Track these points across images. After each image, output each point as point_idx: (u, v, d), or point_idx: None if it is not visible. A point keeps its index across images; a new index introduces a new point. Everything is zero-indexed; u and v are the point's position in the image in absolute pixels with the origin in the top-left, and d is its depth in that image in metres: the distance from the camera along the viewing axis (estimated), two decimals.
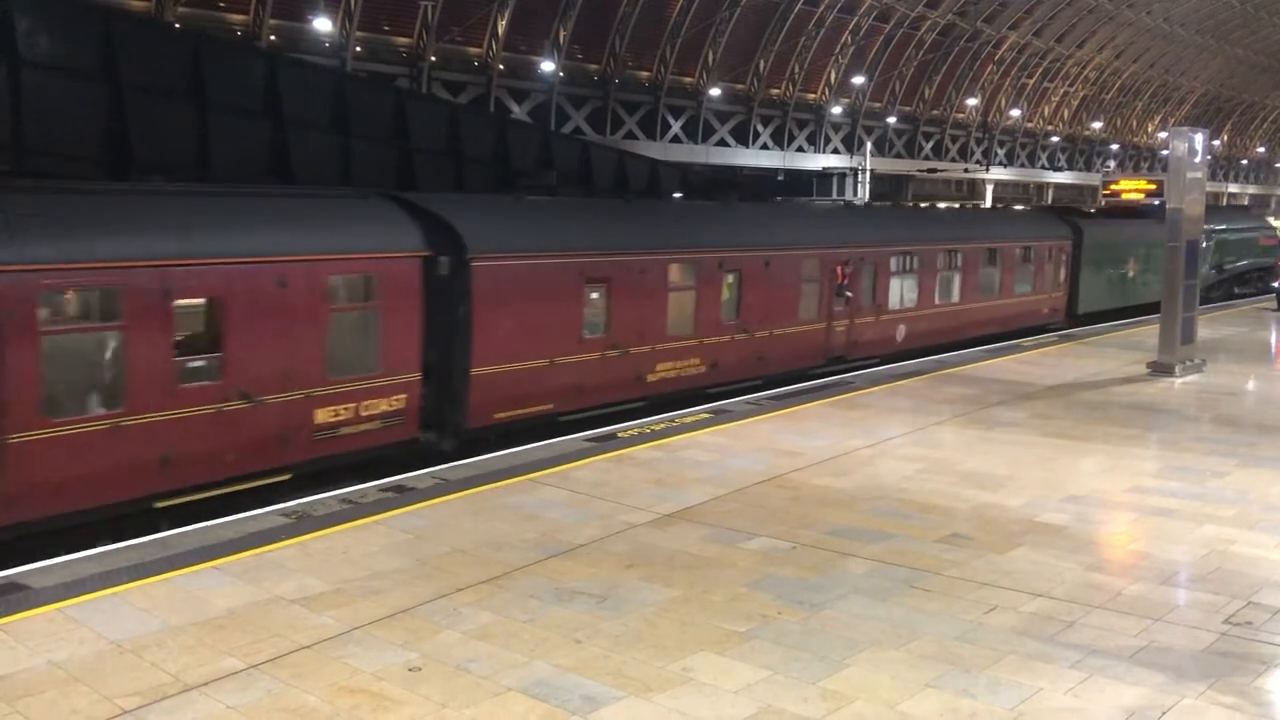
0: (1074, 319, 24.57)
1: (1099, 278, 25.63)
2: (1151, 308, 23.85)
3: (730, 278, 15.30)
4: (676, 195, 20.88)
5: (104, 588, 6.83)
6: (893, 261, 18.67)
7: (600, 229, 14.05)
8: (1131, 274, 26.74)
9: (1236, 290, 33.05)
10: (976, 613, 6.71)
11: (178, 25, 24.85)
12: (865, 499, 9.26)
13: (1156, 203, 29.44)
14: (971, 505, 9.09)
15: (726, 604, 6.79)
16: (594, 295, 13.11)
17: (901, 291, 18.91)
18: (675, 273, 14.36)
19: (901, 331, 18.70)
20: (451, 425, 11.44)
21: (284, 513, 8.55)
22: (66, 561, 7.27)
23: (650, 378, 13.82)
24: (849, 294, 17.16)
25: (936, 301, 19.90)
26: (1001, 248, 22.10)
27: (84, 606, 6.54)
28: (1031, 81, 56.25)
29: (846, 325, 17.37)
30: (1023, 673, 5.86)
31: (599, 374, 13.02)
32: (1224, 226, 32.40)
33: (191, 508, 8.99)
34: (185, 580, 7.04)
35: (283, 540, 7.87)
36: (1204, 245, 26.18)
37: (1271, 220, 42.69)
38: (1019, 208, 41.40)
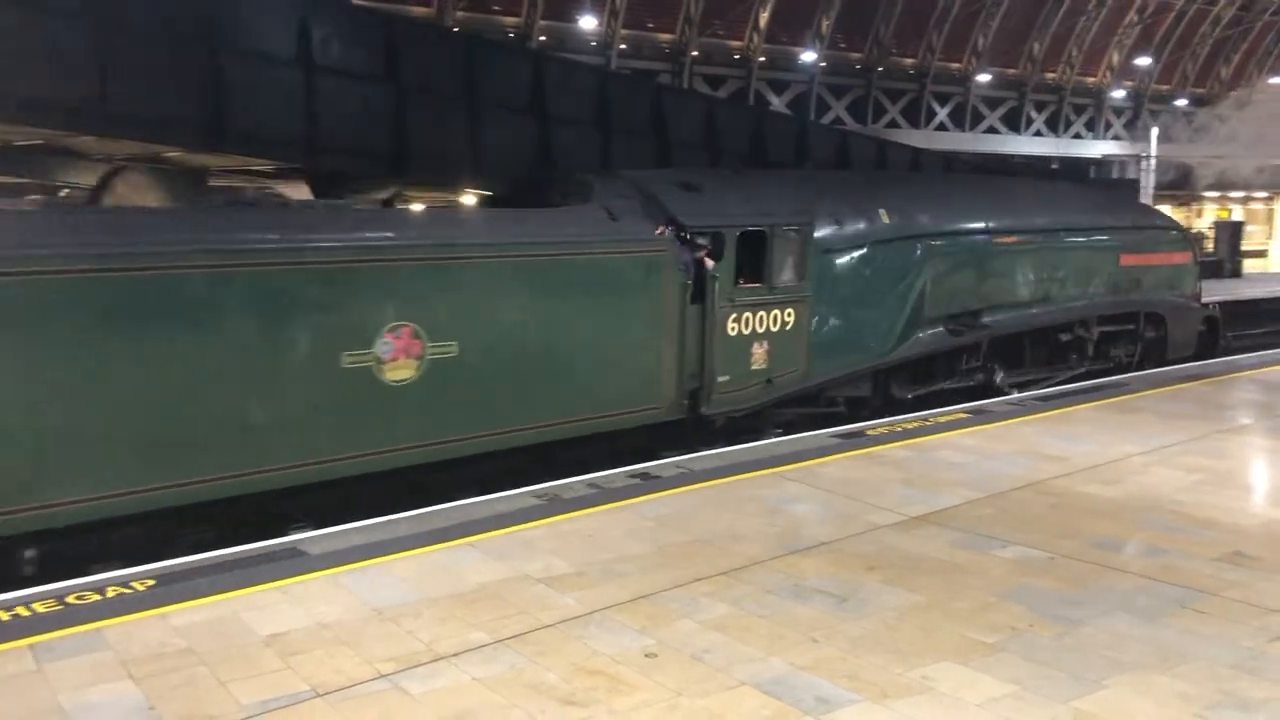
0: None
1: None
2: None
3: None
4: None
5: (370, 558, 7.30)
6: None
7: None
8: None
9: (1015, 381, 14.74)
10: (1259, 640, 6.09)
11: (455, 29, 26.27)
12: (1136, 510, 8.62)
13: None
14: (1258, 521, 8.28)
15: (974, 613, 6.48)
16: None
17: None
18: None
19: None
20: None
21: (536, 494, 8.87)
22: (338, 531, 7.83)
23: None
24: None
25: None
26: None
27: (352, 574, 7.01)
28: None
29: None
30: None
31: None
32: (990, 225, 14.42)
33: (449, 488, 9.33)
34: (443, 555, 7.42)
35: (534, 521, 8.16)
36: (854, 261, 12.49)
37: (1159, 212, 21.23)
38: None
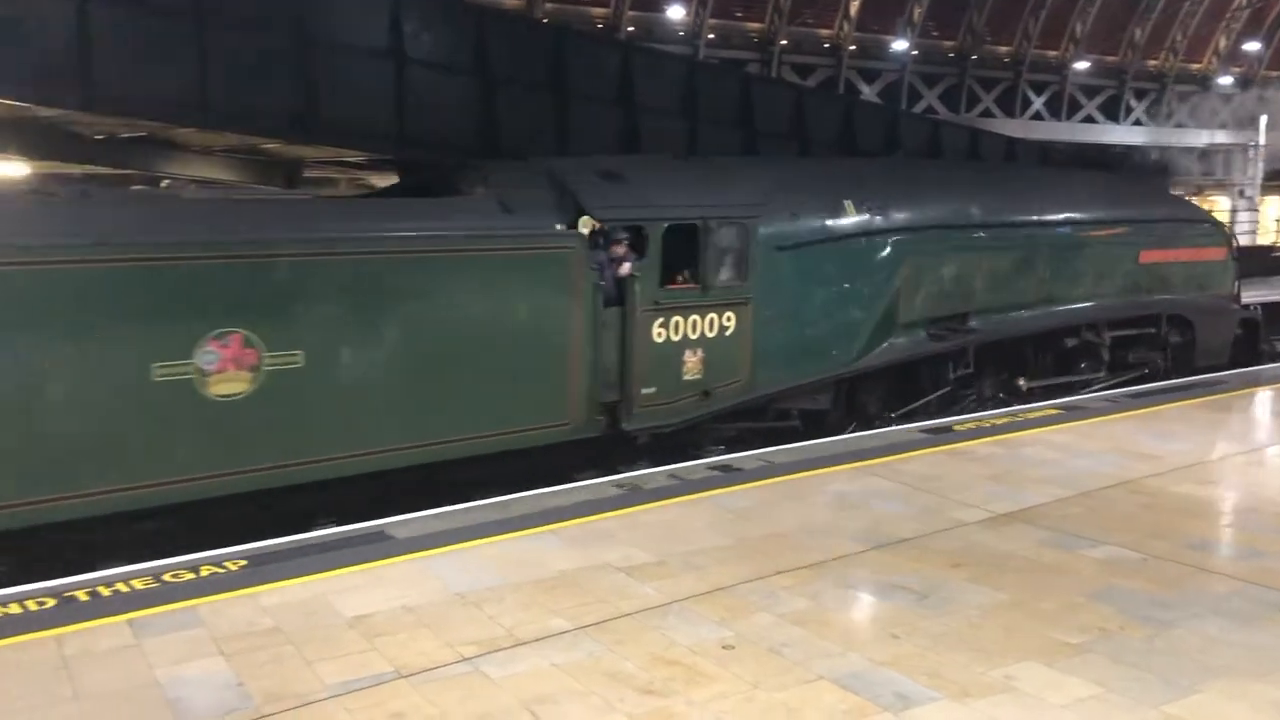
0: None
1: None
2: None
3: None
4: None
5: (453, 543, 7.42)
6: None
7: None
8: None
9: (1011, 391, 13.59)
10: None
11: (544, 20, 26.45)
12: (1233, 511, 8.37)
13: None
14: None
15: (1060, 613, 6.35)
16: None
17: None
18: None
19: None
20: None
21: (617, 484, 8.93)
22: (423, 516, 7.97)
23: None
24: None
25: None
26: None
27: (436, 559, 7.14)
28: None
29: None
30: None
31: None
32: (978, 218, 13.20)
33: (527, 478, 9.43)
34: (524, 542, 7.51)
35: (615, 510, 8.21)
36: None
37: (1190, 204, 19.66)
38: None
